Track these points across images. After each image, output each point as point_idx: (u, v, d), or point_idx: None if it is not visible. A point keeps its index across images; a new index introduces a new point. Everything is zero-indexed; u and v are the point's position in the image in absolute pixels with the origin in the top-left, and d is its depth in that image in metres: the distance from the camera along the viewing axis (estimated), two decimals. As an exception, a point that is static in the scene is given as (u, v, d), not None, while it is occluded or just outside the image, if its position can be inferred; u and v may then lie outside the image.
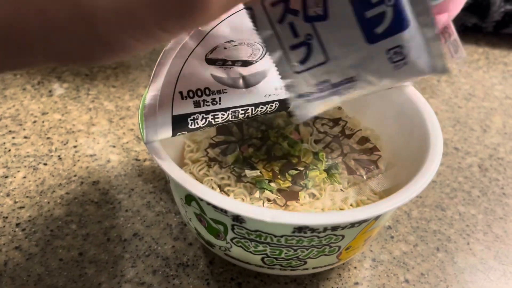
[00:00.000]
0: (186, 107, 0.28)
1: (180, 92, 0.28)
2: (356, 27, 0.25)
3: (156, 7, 0.18)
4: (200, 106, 0.28)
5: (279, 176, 0.33)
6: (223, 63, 0.29)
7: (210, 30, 0.29)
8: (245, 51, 0.30)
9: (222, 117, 0.29)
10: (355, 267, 0.35)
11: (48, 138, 0.44)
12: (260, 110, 0.31)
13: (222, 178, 0.33)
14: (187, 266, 0.34)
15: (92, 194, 0.39)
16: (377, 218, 0.28)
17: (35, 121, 0.45)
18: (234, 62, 0.30)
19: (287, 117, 0.37)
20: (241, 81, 0.30)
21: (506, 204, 0.41)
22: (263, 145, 0.35)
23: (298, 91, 0.27)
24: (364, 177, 0.34)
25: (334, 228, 0.26)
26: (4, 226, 0.36)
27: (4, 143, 0.43)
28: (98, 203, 0.38)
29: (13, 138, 0.43)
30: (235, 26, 0.29)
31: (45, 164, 0.41)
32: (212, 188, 0.32)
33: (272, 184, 0.32)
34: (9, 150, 0.42)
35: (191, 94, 0.28)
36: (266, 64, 0.30)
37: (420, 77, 0.27)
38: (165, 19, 0.18)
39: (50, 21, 0.18)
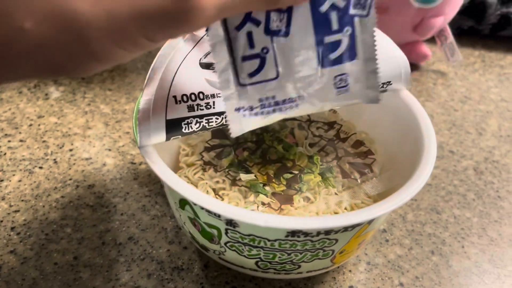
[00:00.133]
0: (180, 112, 0.28)
1: (174, 97, 0.28)
2: (313, 49, 0.26)
3: (142, 19, 0.18)
4: (194, 110, 0.28)
5: (273, 180, 0.33)
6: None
7: (205, 35, 0.29)
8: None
9: (216, 121, 0.29)
10: (350, 271, 0.35)
11: (44, 141, 0.44)
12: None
13: (217, 182, 0.33)
14: (182, 270, 0.34)
15: (88, 198, 0.39)
16: (370, 222, 0.28)
17: (31, 125, 0.45)
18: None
19: (282, 121, 0.37)
20: None
21: (501, 207, 0.41)
22: (258, 149, 0.35)
23: (238, 105, 0.26)
24: (359, 180, 0.34)
25: (328, 232, 0.26)
26: (-1, 230, 0.36)
27: (0, 146, 0.43)
28: (93, 207, 0.38)
29: (9, 141, 0.43)
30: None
31: (40, 167, 0.41)
32: (207, 192, 0.32)
33: (267, 188, 0.32)
34: (5, 154, 0.42)
35: (185, 99, 0.28)
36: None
37: (352, 104, 0.28)
38: (151, 30, 0.19)
39: (42, 35, 0.18)
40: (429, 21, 0.54)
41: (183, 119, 0.28)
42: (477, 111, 0.54)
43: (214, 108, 0.29)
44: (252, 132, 0.36)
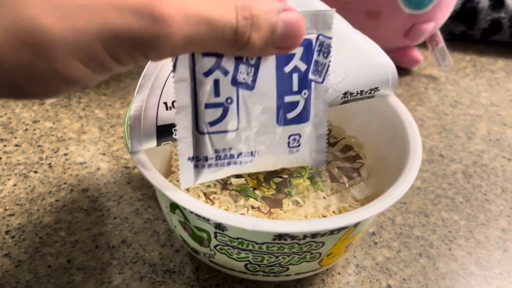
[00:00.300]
0: (171, 118, 0.29)
1: (165, 103, 0.29)
2: (274, 106, 0.27)
3: (110, 38, 0.18)
4: (184, 117, 0.29)
5: (263, 184, 0.34)
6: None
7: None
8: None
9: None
10: (339, 273, 0.36)
11: (39, 146, 0.44)
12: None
13: (208, 186, 0.34)
14: (174, 273, 0.34)
15: (82, 202, 0.39)
16: (356, 225, 0.29)
17: (26, 129, 0.46)
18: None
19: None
20: None
21: (488, 210, 0.42)
22: (249, 154, 0.36)
23: (192, 153, 0.26)
24: (347, 184, 0.35)
25: (314, 235, 0.27)
26: (-6, 234, 0.36)
27: (-4, 151, 0.43)
28: (87, 211, 0.39)
29: (5, 146, 0.44)
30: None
31: (35, 172, 0.42)
32: (198, 196, 0.33)
33: (257, 192, 0.33)
34: (0, 158, 0.43)
35: (175, 105, 0.29)
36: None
37: (299, 165, 0.30)
38: (118, 51, 0.19)
39: (3, 56, 0.17)
40: (420, 27, 0.55)
41: (174, 125, 0.29)
42: (467, 115, 0.54)
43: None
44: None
